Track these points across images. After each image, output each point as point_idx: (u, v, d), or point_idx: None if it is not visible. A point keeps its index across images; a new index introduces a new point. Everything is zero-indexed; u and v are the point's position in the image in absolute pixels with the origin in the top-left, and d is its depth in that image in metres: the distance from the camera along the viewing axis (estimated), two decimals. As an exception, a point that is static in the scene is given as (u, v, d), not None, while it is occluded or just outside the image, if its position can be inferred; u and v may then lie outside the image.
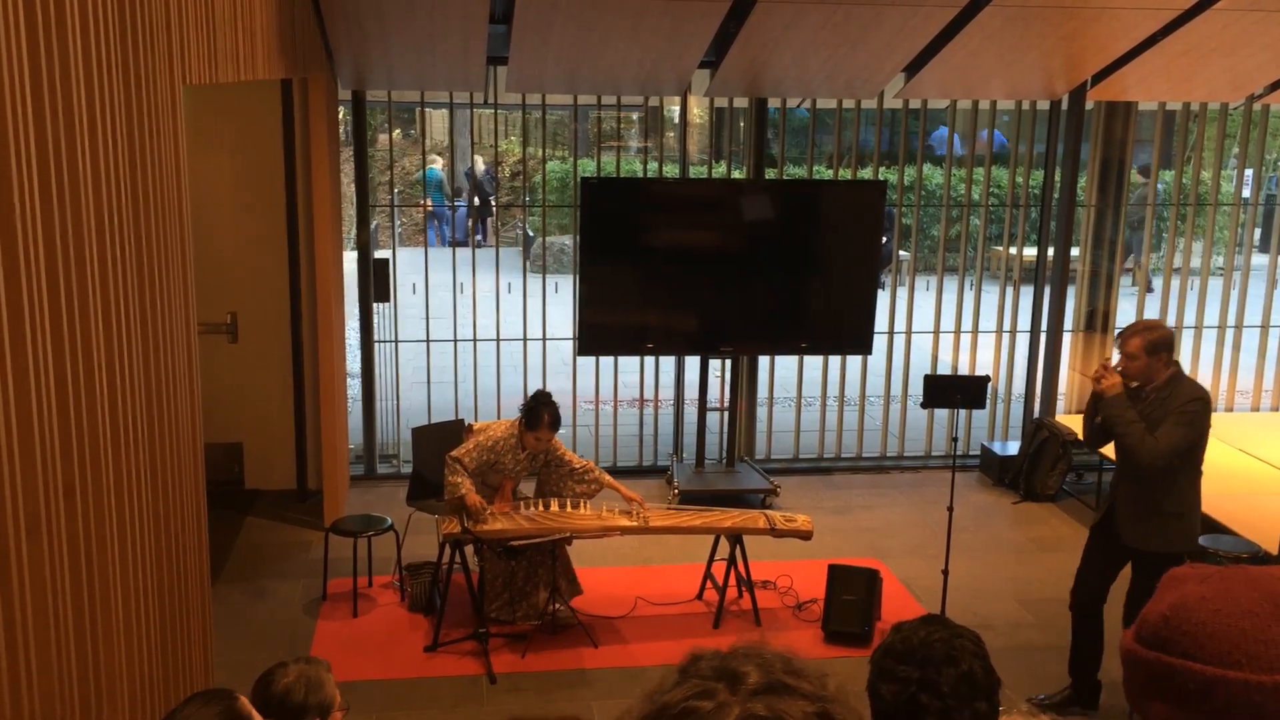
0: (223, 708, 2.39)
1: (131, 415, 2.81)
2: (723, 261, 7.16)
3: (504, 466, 5.51)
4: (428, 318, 7.93)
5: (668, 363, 8.25)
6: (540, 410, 5.40)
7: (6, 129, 2.07)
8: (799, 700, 1.05)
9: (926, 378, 5.84)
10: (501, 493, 5.55)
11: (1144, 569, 4.64)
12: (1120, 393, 4.55)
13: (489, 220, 14.39)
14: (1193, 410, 4.46)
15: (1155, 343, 4.51)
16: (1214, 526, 6.10)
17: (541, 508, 5.57)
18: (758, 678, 1.07)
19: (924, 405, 5.90)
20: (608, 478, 5.71)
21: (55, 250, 2.31)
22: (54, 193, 2.31)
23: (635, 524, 5.61)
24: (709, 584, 5.95)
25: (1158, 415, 4.49)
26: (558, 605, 5.54)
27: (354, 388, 8.28)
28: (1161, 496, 4.59)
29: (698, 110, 10.90)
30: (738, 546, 5.72)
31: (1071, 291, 8.27)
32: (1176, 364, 4.60)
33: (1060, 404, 8.26)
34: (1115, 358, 4.71)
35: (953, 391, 5.75)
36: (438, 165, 13.96)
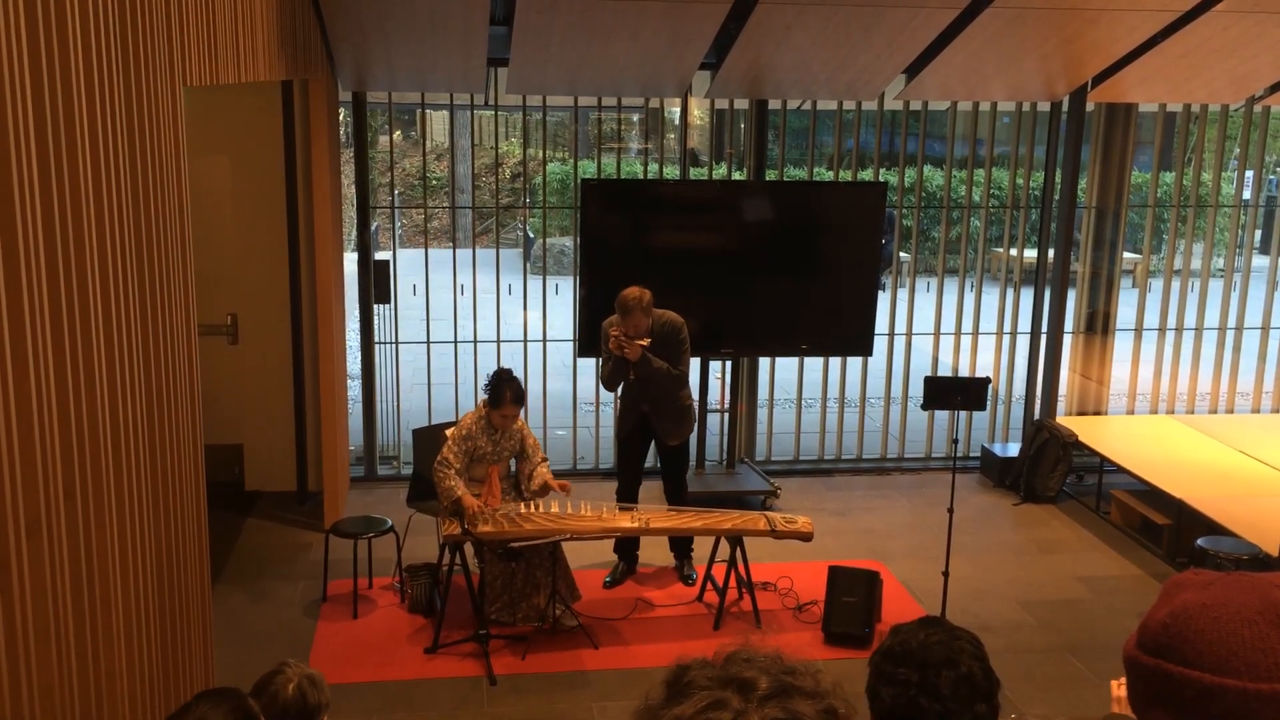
0: (233, 706, 2.39)
1: (132, 417, 2.81)
2: (723, 263, 7.16)
3: (483, 450, 5.58)
4: (428, 319, 7.93)
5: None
6: (502, 388, 5.50)
7: (7, 131, 2.08)
8: (807, 700, 1.05)
9: (927, 379, 5.85)
10: (489, 484, 5.57)
11: (675, 455, 6.13)
12: (644, 353, 5.76)
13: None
14: (684, 337, 5.92)
15: (648, 304, 5.77)
16: (1214, 528, 6.10)
17: (541, 509, 5.58)
18: (766, 683, 1.06)
19: (924, 407, 5.91)
20: (543, 469, 5.68)
21: (56, 251, 2.31)
22: (54, 194, 2.31)
23: (636, 525, 5.61)
24: (709, 585, 5.95)
25: (669, 348, 5.87)
26: (559, 610, 5.55)
27: (354, 389, 8.28)
28: (679, 399, 6.03)
29: (698, 112, 10.91)
30: (738, 548, 5.72)
31: (1072, 293, 8.27)
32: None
33: (1060, 406, 8.25)
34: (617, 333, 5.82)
35: (953, 393, 5.76)
36: None
